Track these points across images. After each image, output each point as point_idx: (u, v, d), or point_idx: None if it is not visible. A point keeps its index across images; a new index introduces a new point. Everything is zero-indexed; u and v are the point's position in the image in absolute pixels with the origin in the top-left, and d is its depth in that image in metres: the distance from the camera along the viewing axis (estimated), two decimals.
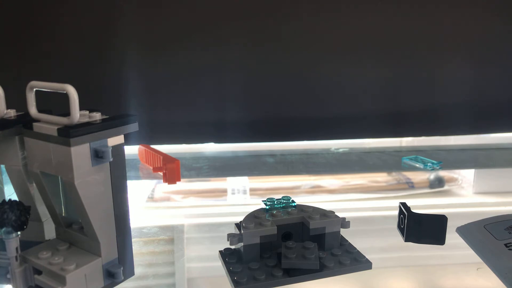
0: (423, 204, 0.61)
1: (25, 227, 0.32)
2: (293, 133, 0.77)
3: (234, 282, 0.26)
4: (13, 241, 0.32)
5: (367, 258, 0.29)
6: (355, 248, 0.29)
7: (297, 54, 0.75)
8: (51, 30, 0.69)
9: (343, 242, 0.30)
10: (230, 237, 0.32)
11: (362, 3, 0.73)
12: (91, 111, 0.35)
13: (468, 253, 0.41)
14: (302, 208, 0.31)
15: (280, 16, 0.73)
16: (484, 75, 0.77)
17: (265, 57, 0.74)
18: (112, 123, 0.34)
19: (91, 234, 0.34)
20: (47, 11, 0.68)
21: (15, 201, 0.32)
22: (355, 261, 0.29)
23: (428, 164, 0.66)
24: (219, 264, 0.36)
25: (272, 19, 0.73)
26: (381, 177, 0.71)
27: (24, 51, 0.70)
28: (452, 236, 0.40)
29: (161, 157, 0.64)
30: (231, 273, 0.28)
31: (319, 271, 0.28)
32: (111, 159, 0.33)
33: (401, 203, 0.39)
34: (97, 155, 0.32)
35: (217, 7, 0.70)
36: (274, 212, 0.30)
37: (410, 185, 0.67)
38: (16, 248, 0.33)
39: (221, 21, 0.71)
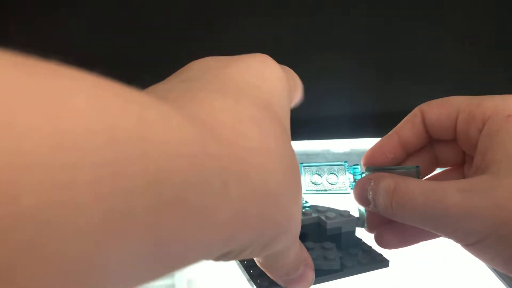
0: None
1: None
2: (293, 133, 0.77)
3: (257, 285, 0.26)
4: None
5: (384, 256, 0.28)
6: (370, 247, 0.29)
7: (296, 54, 0.74)
8: (50, 30, 0.69)
9: (358, 241, 0.30)
10: None
11: (362, 3, 0.73)
12: None
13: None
14: (316, 208, 0.30)
15: (276, 15, 0.72)
16: (486, 73, 0.77)
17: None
18: None
19: None
20: (47, 10, 0.68)
21: None
22: (373, 260, 0.28)
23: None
24: (220, 264, 0.36)
25: (271, 17, 0.73)
26: None
27: (23, 51, 0.70)
28: None
29: None
30: (252, 277, 0.27)
31: (340, 271, 0.27)
32: None
33: None
34: None
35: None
36: None
37: None
38: None
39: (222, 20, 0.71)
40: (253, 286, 0.26)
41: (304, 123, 0.79)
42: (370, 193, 0.25)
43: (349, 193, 0.29)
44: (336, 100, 0.77)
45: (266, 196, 0.16)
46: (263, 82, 0.19)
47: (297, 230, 0.20)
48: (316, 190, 0.29)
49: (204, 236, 0.13)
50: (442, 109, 0.27)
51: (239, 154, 0.15)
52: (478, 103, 0.26)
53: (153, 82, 0.20)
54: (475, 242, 0.22)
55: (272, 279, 0.25)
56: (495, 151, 0.23)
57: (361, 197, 0.26)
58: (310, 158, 0.77)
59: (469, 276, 0.38)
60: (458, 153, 0.28)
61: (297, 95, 0.24)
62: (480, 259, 0.23)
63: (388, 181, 0.24)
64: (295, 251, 0.21)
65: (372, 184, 0.25)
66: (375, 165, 0.29)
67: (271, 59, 0.22)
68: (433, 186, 0.23)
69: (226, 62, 0.20)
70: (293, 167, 0.18)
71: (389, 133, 0.30)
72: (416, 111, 0.29)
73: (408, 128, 0.29)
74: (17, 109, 0.09)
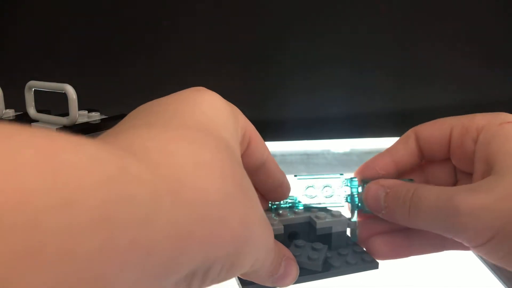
0: None
1: None
2: (293, 133, 0.77)
3: (240, 281, 0.26)
4: None
5: (373, 258, 0.28)
6: (362, 248, 0.29)
7: (298, 55, 0.74)
8: (49, 30, 0.69)
9: (349, 242, 0.30)
10: None
11: (361, 4, 0.73)
12: (90, 111, 0.35)
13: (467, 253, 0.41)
14: (308, 207, 0.31)
15: (277, 15, 0.72)
16: (489, 73, 0.77)
17: (264, 57, 0.74)
18: (111, 123, 0.34)
19: None
20: (46, 10, 0.68)
21: None
22: (362, 261, 0.28)
23: None
24: None
25: (271, 17, 0.72)
26: None
27: (23, 51, 0.70)
28: None
29: None
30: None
31: (322, 272, 0.27)
32: None
33: None
34: None
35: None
36: (280, 211, 0.29)
37: None
38: None
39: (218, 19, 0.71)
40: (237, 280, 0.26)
41: (304, 123, 0.79)
42: (384, 199, 0.26)
43: (343, 206, 0.29)
44: (336, 101, 0.77)
45: (207, 206, 0.15)
46: (196, 108, 0.20)
47: (265, 239, 0.19)
48: (311, 204, 0.29)
49: (138, 256, 0.13)
50: (435, 128, 0.28)
51: (168, 172, 0.15)
52: (471, 118, 0.27)
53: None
54: (487, 241, 0.22)
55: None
56: (496, 153, 0.24)
57: (375, 204, 0.26)
58: (310, 158, 0.77)
59: (459, 282, 0.38)
60: (450, 174, 0.29)
61: (247, 124, 0.24)
62: (492, 259, 0.23)
63: (407, 187, 0.25)
64: (271, 258, 0.21)
65: (387, 191, 0.26)
66: (368, 179, 0.29)
67: (207, 89, 0.22)
68: (444, 189, 0.24)
69: (161, 99, 0.21)
70: (237, 174, 0.18)
71: (382, 151, 0.30)
72: (409, 132, 0.30)
73: (400, 147, 0.30)
74: None
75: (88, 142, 0.13)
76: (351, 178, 0.29)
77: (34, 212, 0.10)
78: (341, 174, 0.29)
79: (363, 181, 0.29)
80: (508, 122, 0.24)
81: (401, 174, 0.30)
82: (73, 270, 0.11)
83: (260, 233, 0.19)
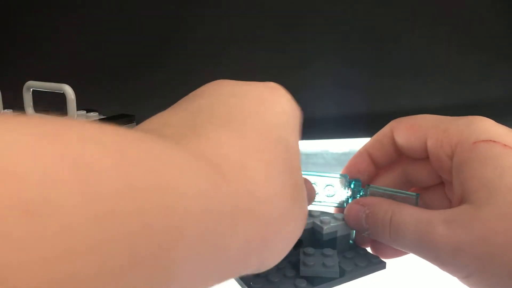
0: None
1: None
2: None
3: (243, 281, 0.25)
4: None
5: (380, 259, 0.27)
6: (364, 249, 0.28)
7: (295, 54, 0.74)
8: (48, 29, 0.69)
9: (352, 245, 0.29)
10: None
11: (359, 3, 0.73)
12: (88, 111, 0.35)
13: None
14: (309, 213, 0.29)
15: (276, 14, 0.72)
16: (488, 72, 0.77)
17: (263, 56, 0.74)
18: (110, 123, 0.34)
19: None
20: (45, 10, 0.68)
21: None
22: (370, 263, 0.27)
23: None
24: None
25: (269, 18, 0.72)
26: None
27: (21, 51, 0.69)
28: None
29: None
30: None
31: (340, 277, 0.26)
32: None
33: None
34: None
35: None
36: None
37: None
38: None
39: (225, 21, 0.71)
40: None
41: (303, 123, 0.78)
42: (366, 221, 0.26)
43: (344, 206, 0.29)
44: (335, 100, 0.77)
45: (268, 225, 0.17)
46: (274, 116, 0.20)
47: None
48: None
49: (215, 273, 0.14)
50: (411, 132, 0.27)
51: (246, 192, 0.16)
52: (444, 129, 0.26)
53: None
54: (467, 276, 0.22)
55: (265, 281, 0.25)
56: (471, 180, 0.23)
57: (357, 225, 0.26)
58: (308, 158, 0.77)
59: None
60: (432, 172, 0.28)
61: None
62: None
63: (385, 209, 0.25)
64: None
65: (367, 211, 0.26)
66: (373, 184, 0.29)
67: (282, 88, 0.22)
68: (422, 216, 0.23)
69: (237, 89, 0.21)
70: (297, 196, 0.19)
71: (360, 150, 0.29)
72: (386, 130, 0.29)
73: (377, 147, 0.29)
74: None
75: (190, 158, 0.14)
76: (355, 179, 0.29)
77: None
78: (346, 175, 0.29)
79: (367, 186, 0.28)
80: (482, 140, 0.24)
81: (381, 170, 0.30)
82: None
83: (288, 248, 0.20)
